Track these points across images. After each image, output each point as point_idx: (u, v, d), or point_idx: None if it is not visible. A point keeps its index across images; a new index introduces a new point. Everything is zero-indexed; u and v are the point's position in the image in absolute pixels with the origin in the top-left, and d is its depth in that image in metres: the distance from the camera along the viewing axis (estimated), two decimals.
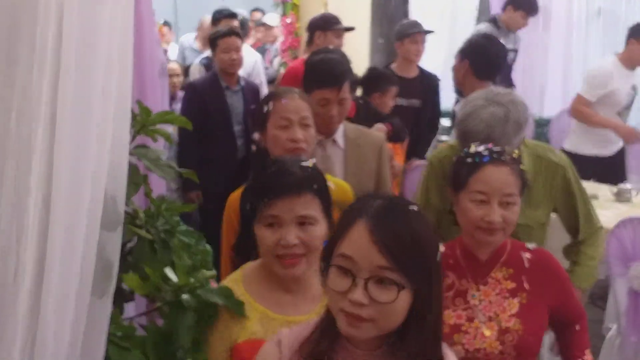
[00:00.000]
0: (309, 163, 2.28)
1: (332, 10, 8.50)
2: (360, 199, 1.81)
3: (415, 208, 1.72)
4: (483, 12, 8.70)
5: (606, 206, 5.35)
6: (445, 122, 8.27)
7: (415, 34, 6.20)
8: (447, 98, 8.50)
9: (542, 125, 7.76)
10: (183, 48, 9.37)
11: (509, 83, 6.91)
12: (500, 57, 4.54)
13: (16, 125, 1.79)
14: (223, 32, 5.84)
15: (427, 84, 6.34)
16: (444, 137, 7.96)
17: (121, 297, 2.28)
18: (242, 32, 7.71)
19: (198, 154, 5.62)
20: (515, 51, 7.45)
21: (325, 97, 3.35)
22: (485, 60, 4.34)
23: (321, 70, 3.48)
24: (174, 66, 7.15)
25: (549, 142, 7.80)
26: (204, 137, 5.61)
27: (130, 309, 2.57)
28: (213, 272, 2.38)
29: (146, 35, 2.82)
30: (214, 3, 9.51)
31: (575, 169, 3.34)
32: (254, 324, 2.21)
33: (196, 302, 2.21)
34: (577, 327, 2.73)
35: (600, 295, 5.67)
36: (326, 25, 6.11)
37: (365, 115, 4.98)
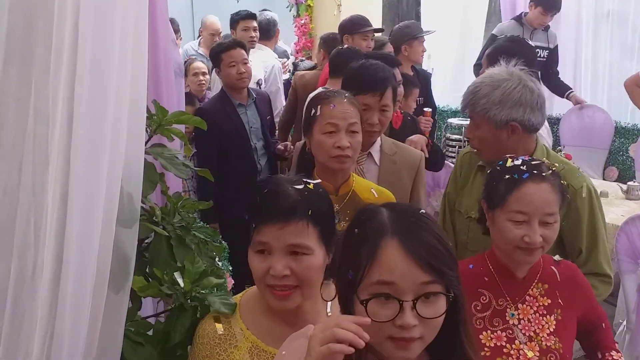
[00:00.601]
0: (309, 184, 2.00)
1: (345, 10, 8.55)
2: (360, 216, 1.65)
3: (423, 211, 1.64)
4: (493, 13, 8.70)
5: (616, 203, 5.41)
6: (454, 120, 8.29)
7: (422, 36, 6.31)
8: (457, 98, 8.53)
9: (552, 124, 7.74)
10: (187, 55, 8.79)
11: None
12: (530, 59, 4.33)
13: (33, 124, 1.82)
14: (226, 44, 5.36)
15: (424, 80, 6.38)
16: (455, 136, 7.98)
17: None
18: (269, 34, 7.36)
19: (217, 180, 4.69)
20: (547, 49, 7.41)
21: (365, 103, 3.18)
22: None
23: (361, 75, 3.31)
24: (200, 64, 6.83)
25: (559, 141, 7.82)
26: (223, 162, 5.13)
27: (149, 306, 2.59)
28: (220, 281, 2.37)
29: (161, 35, 2.82)
30: (231, 6, 9.55)
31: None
32: (243, 354, 2.03)
33: (196, 306, 2.22)
34: (604, 325, 2.63)
35: (610, 291, 5.69)
36: (353, 28, 6.02)
37: (410, 132, 4.61)
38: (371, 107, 3.18)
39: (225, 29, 8.70)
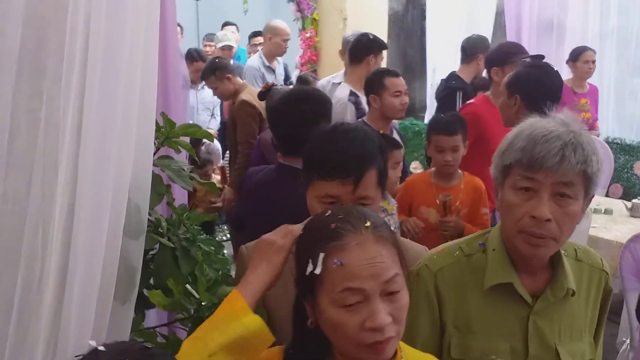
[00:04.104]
0: None
1: (351, 24, 8.58)
2: None
3: None
4: (499, 28, 8.72)
5: (620, 221, 5.44)
6: None
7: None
8: None
9: None
10: (253, 70, 7.80)
11: None
12: (556, 85, 3.78)
13: (43, 135, 1.85)
14: (391, 71, 4.77)
15: None
16: None
17: (143, 304, 2.32)
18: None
19: None
20: None
21: (333, 195, 2.01)
22: (540, 91, 3.64)
23: (325, 152, 2.06)
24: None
25: None
26: None
27: (152, 316, 2.60)
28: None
29: (170, 48, 2.84)
30: (236, 11, 9.59)
31: None
32: None
33: None
34: None
35: (614, 309, 5.69)
36: (502, 58, 5.07)
37: None
38: (342, 202, 1.99)
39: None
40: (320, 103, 3.24)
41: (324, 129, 2.17)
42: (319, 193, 2.02)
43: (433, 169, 4.13)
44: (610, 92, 8.35)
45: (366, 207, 1.89)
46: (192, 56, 7.46)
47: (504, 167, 1.92)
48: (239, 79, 6.09)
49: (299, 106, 3.16)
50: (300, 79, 6.88)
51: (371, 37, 5.69)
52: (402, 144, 3.99)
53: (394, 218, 3.76)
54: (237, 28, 9.76)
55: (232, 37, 8.88)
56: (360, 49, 5.58)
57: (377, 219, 1.62)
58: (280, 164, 3.26)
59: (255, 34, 9.13)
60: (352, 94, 5.34)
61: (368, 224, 1.57)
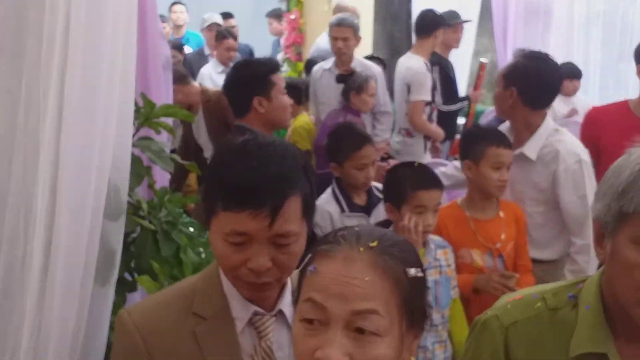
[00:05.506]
0: None
1: (336, 6, 8.54)
2: None
3: None
4: (486, 11, 8.72)
5: None
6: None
7: (458, 24, 6.56)
8: None
9: None
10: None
11: None
12: (556, 79, 3.44)
13: (24, 117, 1.84)
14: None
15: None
16: None
17: (124, 287, 2.32)
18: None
19: None
20: None
21: (242, 232, 1.47)
22: (539, 85, 3.32)
23: (232, 174, 1.49)
24: None
25: None
26: None
27: (136, 300, 2.59)
28: None
29: (149, 29, 2.82)
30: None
31: None
32: None
33: None
34: None
35: None
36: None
37: None
38: (255, 239, 1.48)
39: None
40: (253, 68, 3.48)
41: (231, 142, 1.58)
42: (224, 229, 1.48)
43: (460, 198, 3.36)
44: (597, 77, 8.35)
45: (287, 247, 1.50)
46: (222, 34, 7.29)
47: (621, 214, 1.44)
48: (191, 86, 5.16)
49: (237, 73, 3.53)
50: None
51: (436, 12, 6.08)
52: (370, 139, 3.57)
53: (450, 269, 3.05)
54: (186, 8, 9.56)
55: (215, 17, 8.70)
56: (427, 23, 5.93)
57: (394, 245, 1.32)
58: (235, 126, 3.47)
59: (226, 15, 8.96)
60: (426, 65, 5.75)
61: (374, 243, 1.29)
